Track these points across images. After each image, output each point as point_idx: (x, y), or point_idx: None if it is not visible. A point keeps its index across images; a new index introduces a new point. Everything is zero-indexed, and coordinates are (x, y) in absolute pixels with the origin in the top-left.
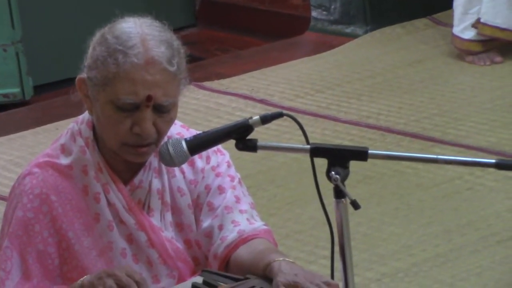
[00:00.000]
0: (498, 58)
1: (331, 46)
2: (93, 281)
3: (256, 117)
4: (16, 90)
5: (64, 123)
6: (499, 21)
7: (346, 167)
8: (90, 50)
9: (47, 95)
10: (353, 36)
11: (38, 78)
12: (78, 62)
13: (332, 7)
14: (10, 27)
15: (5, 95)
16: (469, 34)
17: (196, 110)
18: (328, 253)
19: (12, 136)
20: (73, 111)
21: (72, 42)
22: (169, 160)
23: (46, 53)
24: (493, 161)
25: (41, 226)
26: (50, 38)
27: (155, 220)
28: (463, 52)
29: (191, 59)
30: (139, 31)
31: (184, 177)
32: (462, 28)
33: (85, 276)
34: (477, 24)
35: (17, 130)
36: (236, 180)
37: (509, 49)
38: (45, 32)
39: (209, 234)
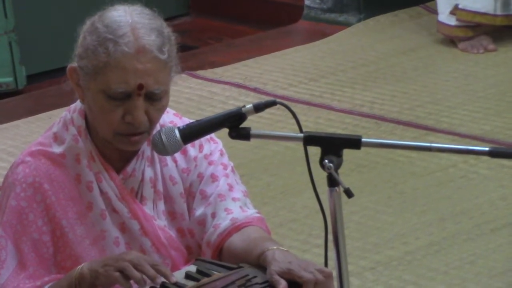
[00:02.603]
0: (492, 46)
1: (324, 35)
2: (96, 269)
3: (249, 106)
4: (9, 79)
5: (58, 112)
6: (478, 6)
7: (339, 155)
8: (80, 39)
9: (40, 84)
10: (346, 24)
11: (31, 68)
12: (71, 51)
13: None
14: (3, 16)
15: None
16: (454, 20)
17: (189, 99)
18: (321, 241)
19: (5, 125)
20: (66, 101)
21: (65, 31)
22: (162, 149)
23: (39, 42)
24: (487, 149)
25: (35, 215)
26: (43, 27)
27: (147, 208)
28: (452, 38)
29: (184, 48)
30: (129, 20)
31: (177, 165)
32: (447, 15)
33: (83, 265)
34: (455, 10)
35: (10, 119)
36: (229, 168)
37: (502, 37)
38: (38, 21)
39: (202, 222)
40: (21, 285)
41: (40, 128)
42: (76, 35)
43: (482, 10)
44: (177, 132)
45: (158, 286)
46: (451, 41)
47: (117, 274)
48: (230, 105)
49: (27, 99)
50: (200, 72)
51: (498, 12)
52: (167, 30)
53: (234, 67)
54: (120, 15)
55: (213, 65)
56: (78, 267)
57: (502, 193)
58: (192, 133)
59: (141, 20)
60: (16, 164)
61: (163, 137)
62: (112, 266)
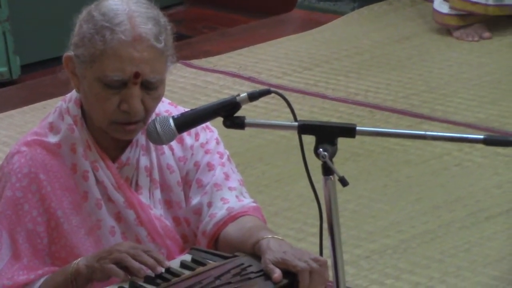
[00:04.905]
0: (487, 34)
1: (318, 23)
2: (92, 264)
3: (243, 94)
4: (4, 69)
5: (52, 102)
6: None
7: (334, 144)
8: (76, 28)
9: (34, 74)
10: (341, 13)
11: (25, 57)
12: (65, 40)
13: None
14: None
15: None
16: (446, 8)
17: (183, 88)
18: (316, 230)
19: None
20: (61, 90)
21: (60, 20)
22: (157, 138)
23: (34, 32)
24: (481, 137)
25: (30, 205)
26: (38, 16)
27: (143, 197)
28: (444, 26)
29: (179, 37)
30: (126, 8)
31: (173, 154)
32: (440, 2)
33: (79, 260)
34: None
35: (5, 109)
36: (225, 157)
37: (497, 25)
38: (32, 10)
39: (198, 211)
40: (15, 277)
41: (34, 118)
42: (71, 24)
43: None
44: (171, 121)
45: (154, 275)
46: (446, 29)
47: (111, 265)
48: (224, 94)
49: (21, 89)
50: (195, 61)
51: (490, 2)
52: (163, 19)
53: (228, 56)
54: (116, 3)
55: (208, 54)
56: (74, 262)
57: (497, 181)
58: (186, 122)
59: (138, 8)
60: (11, 154)
61: (158, 126)
62: (106, 258)
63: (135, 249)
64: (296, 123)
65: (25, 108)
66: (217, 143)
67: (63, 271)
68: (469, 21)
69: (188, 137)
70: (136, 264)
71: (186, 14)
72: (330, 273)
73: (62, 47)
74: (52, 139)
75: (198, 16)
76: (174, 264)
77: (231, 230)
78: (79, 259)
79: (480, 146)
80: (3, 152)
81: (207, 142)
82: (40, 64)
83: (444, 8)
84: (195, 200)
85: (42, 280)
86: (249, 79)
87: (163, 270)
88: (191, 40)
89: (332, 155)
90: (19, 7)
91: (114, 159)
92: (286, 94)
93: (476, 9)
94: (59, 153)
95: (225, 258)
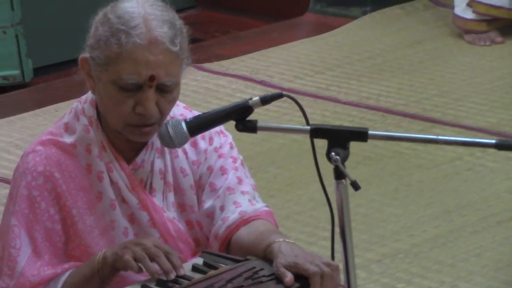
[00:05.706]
0: (499, 39)
1: (330, 28)
2: (117, 251)
3: (256, 98)
4: (16, 72)
5: (64, 105)
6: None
7: (346, 148)
8: (92, 30)
9: (47, 77)
10: (353, 17)
11: (37, 60)
12: (78, 43)
13: None
14: (10, 9)
15: (4, 77)
16: (470, 13)
17: (195, 91)
18: (328, 234)
19: (12, 118)
20: (73, 93)
21: (72, 23)
22: (169, 141)
23: (46, 35)
24: (493, 141)
25: (47, 203)
26: (50, 20)
27: (157, 200)
28: (467, 32)
29: (191, 41)
30: (141, 11)
31: (187, 157)
32: (464, 8)
33: (105, 250)
34: (471, 2)
35: (17, 112)
36: (239, 162)
37: (509, 30)
38: (45, 14)
39: (210, 215)
40: (42, 273)
41: (47, 121)
42: (83, 27)
43: (498, 4)
44: (183, 124)
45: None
46: (458, 34)
47: (129, 258)
48: (236, 98)
49: (33, 92)
50: (207, 65)
51: None
52: (179, 22)
53: (240, 59)
54: (132, 6)
55: (220, 57)
56: (100, 252)
57: (509, 186)
58: (198, 125)
59: (154, 11)
60: (26, 153)
61: (170, 129)
62: (129, 249)
63: (157, 249)
64: (308, 127)
65: (37, 111)
66: (231, 147)
67: (90, 262)
68: (494, 26)
69: (202, 141)
70: (151, 268)
71: (199, 18)
72: (342, 277)
73: (75, 50)
74: (68, 139)
75: (211, 19)
76: (186, 267)
77: (243, 233)
78: (106, 250)
79: (491, 150)
80: (15, 154)
81: (220, 147)
82: (53, 67)
83: (468, 14)
84: (207, 204)
85: (67, 274)
86: (261, 82)
87: (175, 275)
88: (203, 44)
89: (344, 159)
90: (32, 10)
91: (129, 161)
92: (298, 97)
93: (500, 14)
94: (74, 153)
95: (237, 261)
